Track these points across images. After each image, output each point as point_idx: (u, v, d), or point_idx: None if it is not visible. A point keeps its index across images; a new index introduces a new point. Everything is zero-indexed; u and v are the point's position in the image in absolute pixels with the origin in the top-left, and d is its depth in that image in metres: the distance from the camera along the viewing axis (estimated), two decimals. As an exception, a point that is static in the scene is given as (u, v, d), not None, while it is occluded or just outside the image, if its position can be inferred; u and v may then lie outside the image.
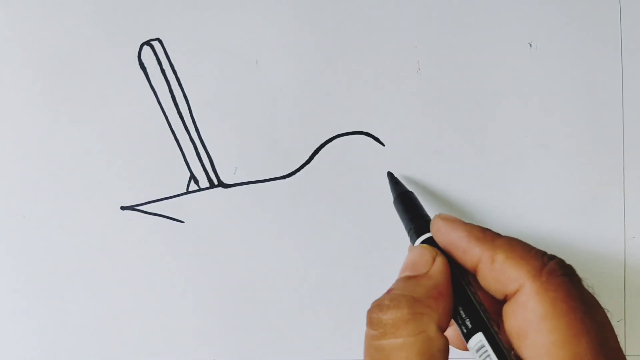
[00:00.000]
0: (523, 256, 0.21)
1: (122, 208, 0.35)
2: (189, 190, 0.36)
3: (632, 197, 0.36)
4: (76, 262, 0.36)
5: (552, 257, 0.22)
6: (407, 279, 0.23)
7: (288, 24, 0.35)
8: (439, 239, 0.25)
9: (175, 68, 0.35)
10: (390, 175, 0.34)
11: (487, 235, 0.23)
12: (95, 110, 0.35)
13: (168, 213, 0.36)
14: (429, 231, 0.27)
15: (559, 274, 0.21)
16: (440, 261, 0.23)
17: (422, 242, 0.27)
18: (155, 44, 0.35)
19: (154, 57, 0.35)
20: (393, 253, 0.36)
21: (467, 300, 0.23)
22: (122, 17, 0.35)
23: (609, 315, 0.22)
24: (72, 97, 0.35)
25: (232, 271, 0.36)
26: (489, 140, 0.35)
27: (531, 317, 0.20)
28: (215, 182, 0.36)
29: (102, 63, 0.35)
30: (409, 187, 0.33)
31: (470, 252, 0.23)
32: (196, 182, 0.36)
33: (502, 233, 0.36)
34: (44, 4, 0.35)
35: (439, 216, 0.26)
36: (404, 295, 0.22)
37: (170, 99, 0.35)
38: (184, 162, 0.35)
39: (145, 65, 0.35)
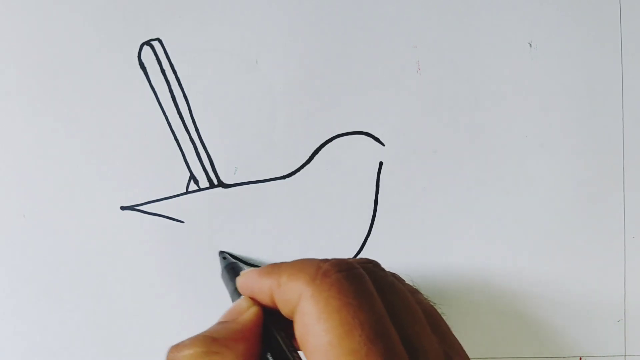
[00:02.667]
0: (301, 268, 0.21)
1: (122, 208, 0.35)
2: (189, 190, 0.36)
3: (632, 197, 0.36)
4: (76, 262, 0.36)
5: (329, 260, 0.21)
6: (217, 324, 0.23)
7: (288, 24, 0.35)
8: (243, 292, 0.25)
9: (175, 68, 0.35)
10: (220, 253, 0.35)
11: (274, 267, 0.23)
12: (95, 110, 0.35)
13: (168, 213, 0.36)
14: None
15: (332, 273, 0.20)
16: (252, 311, 0.23)
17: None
18: (155, 44, 0.35)
19: (154, 57, 0.35)
20: (392, 253, 0.36)
21: (275, 346, 0.23)
22: (122, 17, 0.35)
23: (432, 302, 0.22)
24: (72, 97, 0.35)
25: (232, 271, 0.36)
26: (489, 140, 0.35)
27: (308, 321, 0.19)
28: (215, 182, 0.36)
29: (102, 63, 0.35)
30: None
31: (263, 287, 0.23)
32: (196, 182, 0.36)
33: (502, 233, 0.36)
34: (44, 4, 0.35)
35: (240, 274, 0.26)
36: (203, 335, 0.22)
37: (170, 99, 0.35)
38: (184, 162, 0.35)
39: (145, 65, 0.35)
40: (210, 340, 0.22)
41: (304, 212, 0.35)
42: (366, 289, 0.20)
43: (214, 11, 0.35)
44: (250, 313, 0.23)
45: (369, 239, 0.36)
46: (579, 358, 0.36)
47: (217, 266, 0.36)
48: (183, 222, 0.36)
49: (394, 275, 0.24)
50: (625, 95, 0.35)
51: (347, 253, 0.36)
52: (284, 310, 0.22)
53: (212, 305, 0.36)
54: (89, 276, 0.36)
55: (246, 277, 0.24)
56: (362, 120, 0.35)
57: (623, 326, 0.36)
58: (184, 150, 0.35)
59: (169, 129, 0.35)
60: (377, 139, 0.35)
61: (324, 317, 0.19)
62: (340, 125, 0.35)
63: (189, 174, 0.35)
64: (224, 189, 0.36)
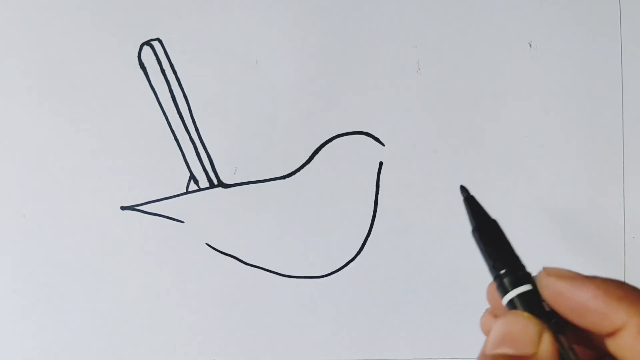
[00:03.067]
0: None
1: (122, 208, 0.35)
2: (189, 190, 0.36)
3: (632, 197, 0.36)
4: (76, 262, 0.36)
5: None
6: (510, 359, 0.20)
7: (288, 24, 0.35)
8: (559, 303, 0.20)
9: (175, 68, 0.35)
10: (470, 199, 0.26)
11: (630, 292, 0.19)
12: (95, 110, 0.35)
13: (168, 213, 0.36)
14: (525, 282, 0.22)
15: None
16: (549, 340, 0.19)
17: (519, 297, 0.22)
18: (155, 44, 0.35)
19: (154, 57, 0.35)
20: (392, 253, 0.36)
21: None
22: (122, 17, 0.35)
23: None
24: (72, 97, 0.35)
25: (232, 271, 0.36)
26: (489, 140, 0.35)
27: None
28: (215, 182, 0.36)
29: (102, 63, 0.35)
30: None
31: (611, 317, 0.18)
32: (196, 182, 0.36)
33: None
34: (44, 4, 0.35)
35: (548, 272, 0.21)
36: None
37: (170, 99, 0.35)
38: (184, 162, 0.35)
39: (145, 65, 0.35)
40: None
41: (304, 212, 0.35)
42: None
43: (214, 11, 0.35)
44: (548, 345, 0.19)
45: (369, 239, 0.36)
46: (579, 358, 0.36)
47: (216, 266, 0.36)
48: (183, 222, 0.36)
49: None
50: (625, 95, 0.35)
51: (347, 253, 0.36)
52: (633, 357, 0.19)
53: (212, 305, 0.36)
54: (89, 276, 0.36)
55: (575, 287, 0.20)
56: (362, 120, 0.35)
57: (623, 326, 0.36)
58: (184, 150, 0.35)
59: (169, 129, 0.35)
60: (377, 139, 0.35)
61: None
62: (340, 125, 0.35)
63: (189, 174, 0.35)
64: (224, 189, 0.36)
